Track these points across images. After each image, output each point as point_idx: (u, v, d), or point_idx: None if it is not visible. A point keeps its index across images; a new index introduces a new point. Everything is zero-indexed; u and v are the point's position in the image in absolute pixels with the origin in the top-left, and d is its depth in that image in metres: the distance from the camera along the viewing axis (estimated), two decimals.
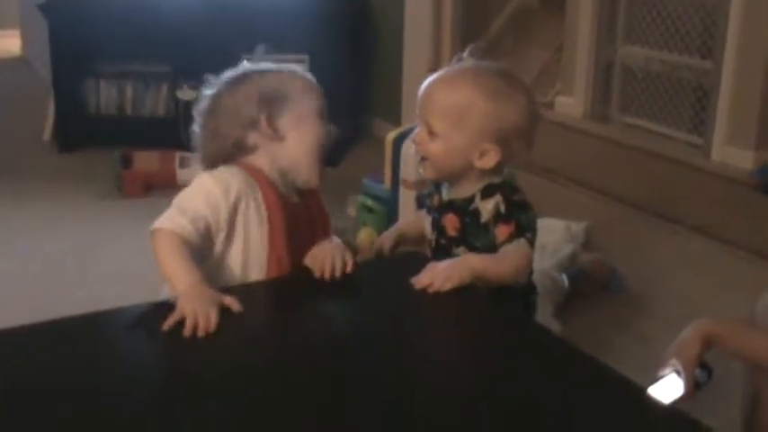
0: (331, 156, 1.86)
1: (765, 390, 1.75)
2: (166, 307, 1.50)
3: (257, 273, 1.74)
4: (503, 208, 1.82)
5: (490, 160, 1.81)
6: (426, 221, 1.98)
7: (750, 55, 3.15)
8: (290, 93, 1.79)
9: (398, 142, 3.24)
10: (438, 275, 1.65)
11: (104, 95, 4.43)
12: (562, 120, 3.91)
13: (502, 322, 1.64)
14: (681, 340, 1.66)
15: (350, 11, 4.38)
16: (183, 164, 3.90)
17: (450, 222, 1.89)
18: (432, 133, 1.83)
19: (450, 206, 1.90)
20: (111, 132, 4.40)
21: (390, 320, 1.61)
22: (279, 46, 4.01)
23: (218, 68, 1.86)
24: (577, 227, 3.17)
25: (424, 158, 1.87)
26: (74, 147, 4.40)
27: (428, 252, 1.95)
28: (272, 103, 1.77)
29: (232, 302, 1.53)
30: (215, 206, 1.68)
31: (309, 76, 1.87)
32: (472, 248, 1.85)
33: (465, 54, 1.91)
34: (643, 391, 1.38)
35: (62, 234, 3.44)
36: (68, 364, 1.40)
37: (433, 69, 4.31)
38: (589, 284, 2.87)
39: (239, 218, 1.71)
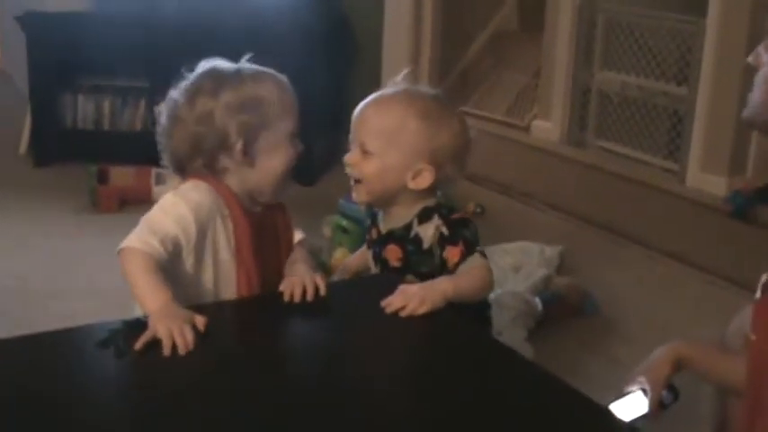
0: (306, 175, 1.86)
1: (734, 413, 1.75)
2: (139, 324, 1.50)
3: (228, 291, 1.73)
4: (445, 230, 1.82)
5: (424, 180, 1.83)
6: (368, 256, 1.97)
7: (724, 82, 3.19)
8: (268, 116, 1.74)
9: None
10: (411, 298, 1.64)
11: (81, 110, 4.41)
12: (538, 144, 3.93)
13: (470, 345, 1.64)
14: (652, 360, 1.67)
15: (329, 31, 4.39)
16: (159, 180, 3.89)
17: (392, 253, 1.89)
18: (365, 153, 1.84)
19: (389, 237, 1.90)
20: (88, 147, 4.37)
21: (360, 342, 1.60)
22: (255, 64, 4.01)
23: (182, 77, 1.82)
24: (552, 251, 3.19)
25: (357, 181, 1.87)
26: (49, 161, 4.38)
27: None
28: (249, 129, 1.72)
29: (200, 322, 1.50)
30: (185, 227, 1.66)
31: (286, 84, 1.81)
32: (419, 275, 1.83)
33: (399, 78, 1.93)
34: (609, 412, 1.38)
35: (36, 248, 3.41)
36: (40, 380, 1.39)
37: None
38: (563, 308, 2.87)
39: (208, 238, 1.70)
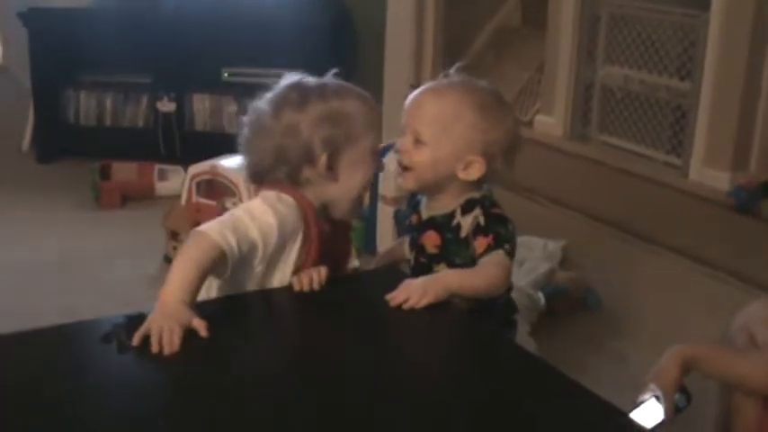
0: None
1: (739, 410, 1.75)
2: (141, 318, 1.49)
3: None
4: (482, 221, 1.81)
5: (475, 172, 1.82)
6: (405, 242, 1.98)
7: (728, 77, 3.18)
8: (353, 130, 1.75)
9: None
10: (413, 291, 1.64)
11: (84, 106, 4.40)
12: (541, 139, 3.92)
13: (477, 341, 1.64)
14: (660, 365, 1.66)
15: (330, 26, 4.39)
16: (162, 176, 3.90)
17: (430, 240, 1.88)
18: (418, 142, 1.82)
19: (429, 223, 1.89)
20: (90, 143, 4.37)
21: (365, 336, 1.60)
22: (256, 60, 4.01)
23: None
24: (555, 245, 3.18)
25: (406, 168, 1.86)
26: (52, 157, 4.38)
27: (408, 272, 1.93)
28: (334, 143, 1.73)
29: (200, 326, 1.49)
30: (266, 237, 1.65)
31: (370, 100, 1.82)
32: (452, 266, 1.84)
33: (452, 71, 1.92)
34: (620, 412, 1.37)
35: (38, 244, 3.42)
36: (41, 375, 1.39)
37: (414, 86, 4.32)
38: (565, 303, 2.87)
39: (285, 252, 1.70)
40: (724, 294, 2.93)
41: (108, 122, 4.41)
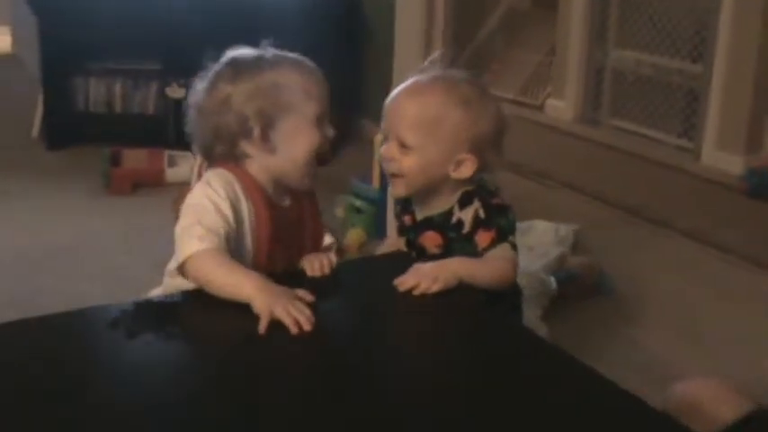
0: (318, 155, 1.82)
1: None
2: (151, 305, 1.49)
3: None
4: (482, 213, 1.78)
5: (467, 170, 1.79)
6: (400, 243, 1.94)
7: (740, 59, 3.16)
8: (286, 100, 1.72)
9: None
10: (424, 277, 1.62)
11: (93, 93, 4.40)
12: (552, 123, 3.91)
13: (490, 326, 1.63)
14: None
15: (340, 10, 4.37)
16: (172, 162, 3.89)
17: (431, 240, 1.85)
18: (404, 147, 1.78)
19: (426, 224, 1.86)
20: (100, 130, 4.38)
21: (374, 322, 1.59)
22: (267, 44, 4.00)
23: (207, 67, 1.82)
24: (566, 230, 3.17)
25: (395, 176, 1.82)
26: (62, 144, 4.38)
27: None
28: (267, 114, 1.70)
29: (305, 294, 1.52)
30: (225, 217, 1.65)
31: (308, 69, 1.78)
32: None
33: (427, 63, 1.89)
34: (632, 396, 1.36)
35: (49, 231, 3.42)
36: (53, 361, 1.38)
37: (423, 70, 4.31)
38: (577, 287, 2.86)
39: (236, 222, 1.68)
40: (736, 279, 2.91)
41: (118, 109, 4.41)
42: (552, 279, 2.77)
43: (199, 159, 3.17)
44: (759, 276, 2.90)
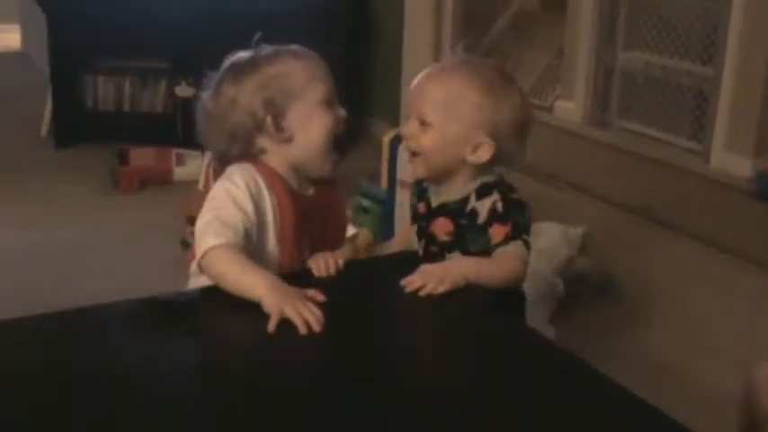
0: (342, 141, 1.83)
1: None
2: (157, 302, 1.49)
3: (272, 271, 1.72)
4: (500, 207, 1.77)
5: (484, 154, 1.78)
6: (412, 231, 1.94)
7: (750, 61, 3.14)
8: (292, 87, 1.74)
9: (395, 143, 3.23)
10: (431, 278, 1.62)
11: (102, 91, 4.41)
12: (561, 124, 3.89)
13: (497, 328, 1.62)
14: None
15: (349, 9, 4.37)
16: (180, 161, 3.90)
17: (441, 227, 1.84)
18: (424, 125, 1.79)
19: (440, 210, 1.85)
20: (109, 128, 4.39)
21: (380, 323, 1.59)
22: (274, 43, 4.00)
23: (216, 66, 1.84)
24: (575, 232, 3.16)
25: (414, 154, 1.83)
26: (71, 142, 4.39)
27: None
28: (275, 103, 1.73)
29: (315, 294, 1.52)
30: (244, 208, 1.66)
31: (305, 54, 1.81)
32: (466, 253, 1.80)
33: (459, 49, 1.90)
34: (640, 400, 1.35)
35: (57, 228, 3.42)
36: (60, 358, 1.39)
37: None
38: (585, 289, 2.85)
39: (259, 215, 1.70)
40: (744, 282, 2.90)
41: (126, 107, 4.42)
42: (560, 281, 2.76)
43: (207, 158, 3.19)
44: (767, 280, 2.89)
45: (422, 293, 1.61)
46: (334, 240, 1.83)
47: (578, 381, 1.40)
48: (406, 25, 4.42)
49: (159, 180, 3.86)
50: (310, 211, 1.77)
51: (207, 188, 3.14)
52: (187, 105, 4.26)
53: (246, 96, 1.73)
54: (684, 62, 3.50)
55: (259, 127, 1.73)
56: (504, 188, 1.81)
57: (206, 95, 1.79)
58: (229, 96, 1.74)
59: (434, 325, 1.61)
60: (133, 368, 1.38)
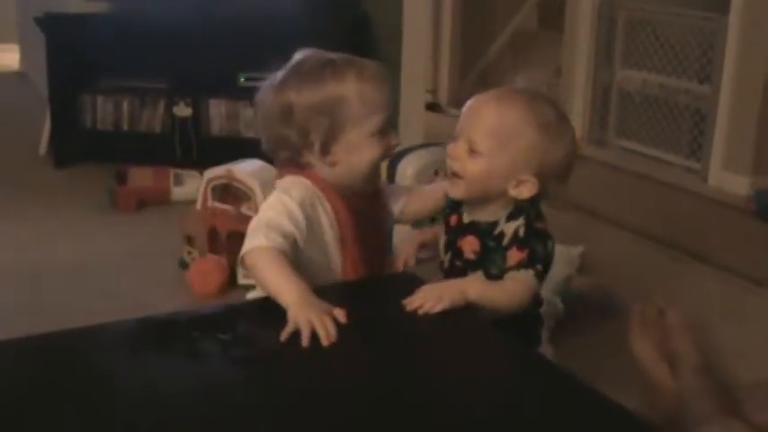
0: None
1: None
2: (155, 322, 1.49)
3: (335, 277, 1.77)
4: (522, 232, 1.75)
5: (526, 191, 1.75)
6: (440, 241, 1.91)
7: (747, 80, 3.16)
8: (349, 116, 1.73)
9: (394, 165, 3.22)
10: (429, 297, 1.61)
11: (101, 111, 4.41)
12: None
13: (500, 351, 1.61)
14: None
15: (348, 31, 4.38)
16: (178, 181, 3.89)
17: (469, 245, 1.82)
18: (473, 151, 1.74)
19: (471, 228, 1.82)
20: (107, 148, 4.38)
21: (381, 348, 1.58)
22: (273, 65, 4.01)
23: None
24: (573, 251, 3.16)
25: (456, 175, 1.78)
26: (69, 162, 4.38)
27: (439, 273, 1.89)
28: (329, 131, 1.72)
29: (339, 313, 1.51)
30: (296, 222, 1.67)
31: (374, 79, 1.77)
32: (487, 275, 1.78)
33: (519, 79, 1.88)
34: (631, 415, 1.35)
35: (54, 248, 3.41)
36: (55, 378, 1.38)
37: (430, 92, 4.31)
38: (584, 309, 2.85)
39: (315, 230, 1.72)
40: (744, 299, 2.90)
41: (125, 127, 4.41)
42: (559, 300, 2.76)
43: (205, 178, 3.19)
44: (765, 297, 2.89)
45: (420, 312, 1.60)
46: (383, 245, 1.87)
47: (575, 402, 1.39)
48: (404, 47, 4.43)
49: (157, 200, 3.86)
50: (362, 214, 1.79)
51: (205, 208, 3.15)
52: (185, 125, 4.27)
53: (303, 112, 1.73)
54: (682, 81, 3.52)
55: (307, 146, 1.74)
56: (531, 214, 1.77)
57: (267, 86, 1.78)
58: (287, 101, 1.74)
59: (429, 347, 1.60)
60: (129, 388, 1.38)
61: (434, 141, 3.78)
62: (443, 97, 4.45)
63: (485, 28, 4.46)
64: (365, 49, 4.60)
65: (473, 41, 4.43)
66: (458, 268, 1.84)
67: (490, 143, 1.73)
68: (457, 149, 1.77)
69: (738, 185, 3.21)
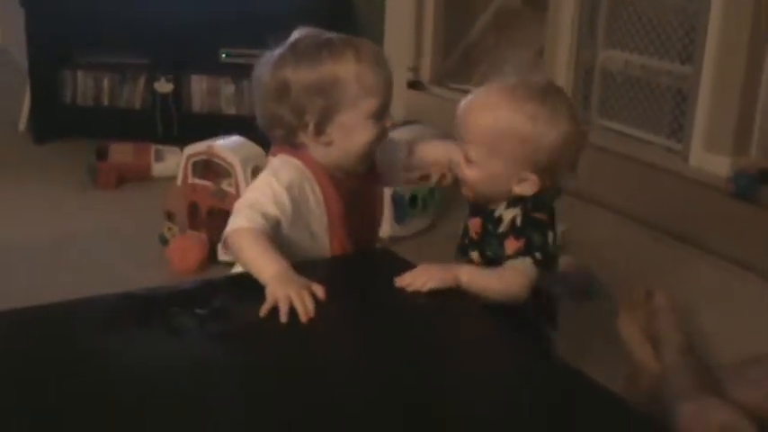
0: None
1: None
2: (134, 298, 1.48)
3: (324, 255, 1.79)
4: (519, 221, 1.73)
5: (529, 188, 1.73)
6: (451, 149, 1.87)
7: (729, 61, 3.16)
8: (346, 97, 1.72)
9: None
10: (419, 275, 1.64)
11: (81, 87, 4.38)
12: None
13: (480, 328, 1.62)
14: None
15: (330, 8, 4.36)
16: (159, 157, 3.88)
17: (474, 225, 1.82)
18: (468, 160, 1.75)
19: (478, 209, 1.82)
20: (87, 124, 4.36)
21: (361, 323, 1.58)
22: (254, 41, 4.00)
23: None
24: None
25: (461, 180, 1.81)
26: (49, 138, 4.35)
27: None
28: (324, 111, 1.72)
29: (318, 289, 1.53)
30: (281, 205, 1.69)
31: (371, 61, 1.75)
32: (483, 256, 1.78)
33: (507, 67, 1.86)
34: (614, 396, 1.35)
35: (34, 224, 3.40)
36: (32, 353, 1.38)
37: (413, 69, 4.30)
38: (567, 288, 2.85)
39: (302, 213, 1.73)
40: (724, 280, 2.92)
41: (105, 103, 4.39)
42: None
43: (186, 154, 3.18)
44: (745, 278, 2.91)
45: (409, 289, 1.63)
46: (374, 226, 1.90)
47: (558, 381, 1.40)
48: (387, 26, 4.43)
49: (138, 176, 3.84)
50: (353, 197, 1.80)
51: (185, 184, 3.14)
52: (166, 101, 4.25)
53: (299, 90, 1.72)
54: (664, 61, 3.52)
55: (301, 126, 1.74)
56: (530, 204, 1.75)
57: (264, 62, 1.77)
58: (283, 79, 1.73)
59: (408, 321, 1.61)
60: (107, 363, 1.38)
61: (416, 119, 3.77)
62: (426, 75, 4.44)
63: (468, 6, 4.44)
64: (347, 26, 4.58)
65: (456, 19, 4.42)
66: (464, 245, 1.85)
67: (480, 151, 1.73)
68: (459, 156, 1.78)
69: (719, 166, 3.22)
